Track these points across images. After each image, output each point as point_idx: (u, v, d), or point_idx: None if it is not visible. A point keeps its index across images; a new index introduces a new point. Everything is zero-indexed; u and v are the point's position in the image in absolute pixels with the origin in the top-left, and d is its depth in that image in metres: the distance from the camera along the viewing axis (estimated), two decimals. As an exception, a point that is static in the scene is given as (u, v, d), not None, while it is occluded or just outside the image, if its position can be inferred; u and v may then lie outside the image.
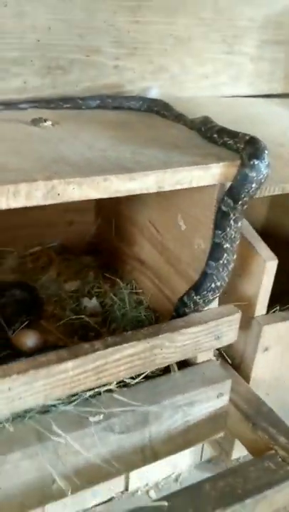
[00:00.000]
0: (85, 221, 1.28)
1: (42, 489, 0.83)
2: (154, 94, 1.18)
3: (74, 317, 1.11)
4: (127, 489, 1.34)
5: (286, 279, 1.46)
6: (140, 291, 1.13)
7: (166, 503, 0.76)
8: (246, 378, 1.05)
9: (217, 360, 1.03)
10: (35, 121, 0.91)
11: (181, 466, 1.41)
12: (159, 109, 1.06)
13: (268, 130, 1.20)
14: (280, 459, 0.85)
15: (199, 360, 0.98)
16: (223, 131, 0.86)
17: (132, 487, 1.35)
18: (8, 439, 0.79)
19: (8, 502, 0.81)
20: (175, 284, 0.99)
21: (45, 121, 0.90)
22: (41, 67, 1.07)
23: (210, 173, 0.78)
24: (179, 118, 1.02)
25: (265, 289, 0.99)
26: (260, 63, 1.30)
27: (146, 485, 1.42)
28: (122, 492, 1.33)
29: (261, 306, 1.01)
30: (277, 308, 1.05)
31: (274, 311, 1.04)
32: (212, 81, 1.26)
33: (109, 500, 1.33)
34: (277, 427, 0.92)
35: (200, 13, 1.18)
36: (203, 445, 1.38)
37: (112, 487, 1.28)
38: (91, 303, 1.16)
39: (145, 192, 0.75)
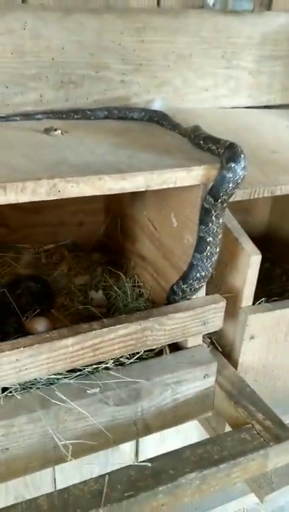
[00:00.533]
0: (94, 221, 1.40)
1: (44, 453, 0.95)
2: (157, 105, 1.30)
3: (81, 307, 1.23)
4: None
5: (286, 277, 1.56)
6: (141, 284, 1.24)
7: (149, 464, 0.87)
8: (235, 365, 1.15)
9: (208, 347, 1.13)
10: (47, 130, 1.04)
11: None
12: (159, 119, 1.18)
13: (264, 138, 1.31)
14: (255, 432, 0.95)
15: (189, 345, 1.08)
16: (208, 138, 0.97)
17: None
18: (15, 405, 0.91)
19: (14, 462, 0.93)
20: (169, 277, 1.10)
21: (55, 130, 1.03)
22: (55, 82, 1.20)
23: (192, 175, 0.89)
24: (175, 127, 1.13)
25: (250, 281, 1.09)
26: (258, 76, 1.41)
27: None
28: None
29: (247, 297, 1.11)
30: (263, 300, 1.15)
31: (260, 302, 1.14)
32: (212, 93, 1.37)
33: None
34: (256, 405, 1.01)
35: (200, 32, 1.29)
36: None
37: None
38: (97, 295, 1.28)
39: (135, 190, 0.86)
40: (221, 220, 0.95)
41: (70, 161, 0.88)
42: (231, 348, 1.16)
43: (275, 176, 1.17)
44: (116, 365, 1.02)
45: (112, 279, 1.32)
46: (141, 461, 0.87)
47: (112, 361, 1.01)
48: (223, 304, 1.04)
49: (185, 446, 0.91)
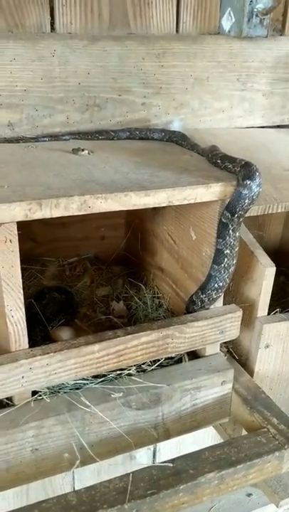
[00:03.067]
0: (115, 236, 1.47)
1: (71, 453, 1.00)
2: (176, 126, 1.37)
3: (103, 317, 1.29)
4: None
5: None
6: (161, 295, 1.30)
7: (171, 464, 0.92)
8: (251, 373, 1.19)
9: (225, 355, 1.18)
10: (75, 150, 1.11)
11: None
12: (178, 139, 1.25)
13: (277, 156, 1.37)
14: (270, 436, 0.99)
15: (207, 353, 1.13)
16: (225, 157, 1.03)
17: None
18: (45, 408, 0.97)
19: (43, 462, 0.99)
20: (188, 287, 1.16)
21: (82, 150, 1.10)
22: (81, 105, 1.27)
23: (210, 191, 0.96)
24: (193, 147, 1.20)
25: (265, 292, 1.14)
26: (272, 98, 1.47)
27: None
28: None
29: (262, 308, 1.16)
30: (278, 310, 1.20)
31: (274, 313, 1.19)
32: (228, 114, 1.44)
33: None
34: (271, 410, 1.06)
35: (217, 56, 1.36)
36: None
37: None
38: (118, 306, 1.34)
39: (158, 206, 0.93)
40: (237, 234, 1.01)
41: (98, 179, 0.95)
42: (247, 357, 1.21)
43: (288, 192, 1.23)
44: (138, 371, 1.07)
45: (133, 290, 1.39)
46: (162, 462, 0.92)
47: (134, 368, 1.07)
48: (239, 313, 1.10)
49: (204, 448, 0.96)
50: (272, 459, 0.95)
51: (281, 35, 1.46)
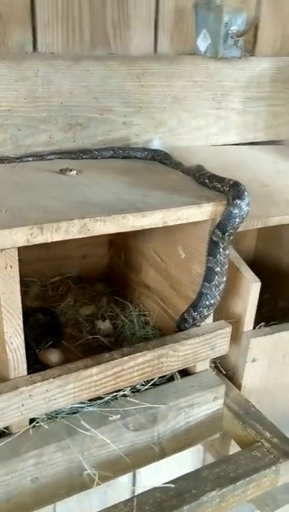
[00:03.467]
0: (97, 254, 1.46)
1: (70, 480, 0.99)
2: (156, 145, 1.39)
3: (90, 337, 1.28)
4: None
5: (274, 302, 1.65)
6: (147, 313, 1.31)
7: (173, 485, 0.92)
8: (238, 387, 1.22)
9: (213, 371, 1.20)
10: (63, 171, 1.10)
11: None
12: (161, 158, 1.27)
13: (254, 173, 1.41)
14: (265, 450, 1.01)
15: (198, 370, 1.15)
16: (213, 176, 1.06)
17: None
18: (44, 435, 0.95)
19: (43, 490, 0.97)
20: (177, 305, 1.17)
21: (70, 170, 1.10)
22: (64, 124, 1.27)
23: (202, 211, 0.98)
24: (177, 166, 1.22)
25: (251, 306, 1.17)
26: (245, 116, 1.52)
27: None
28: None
29: (248, 322, 1.18)
30: (263, 324, 1.24)
31: (260, 327, 1.22)
32: (204, 132, 1.47)
33: None
34: (263, 424, 1.08)
35: (193, 77, 1.39)
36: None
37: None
38: (104, 325, 1.33)
39: (153, 226, 0.94)
40: (227, 252, 1.03)
41: (93, 201, 0.95)
42: (234, 371, 1.23)
43: (268, 208, 1.27)
44: (132, 392, 1.07)
45: (118, 308, 1.39)
46: (164, 483, 0.92)
47: (128, 388, 1.06)
48: (229, 329, 1.12)
49: (203, 466, 0.97)
50: (269, 474, 0.97)
51: (252, 55, 1.51)
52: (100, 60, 1.26)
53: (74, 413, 1.01)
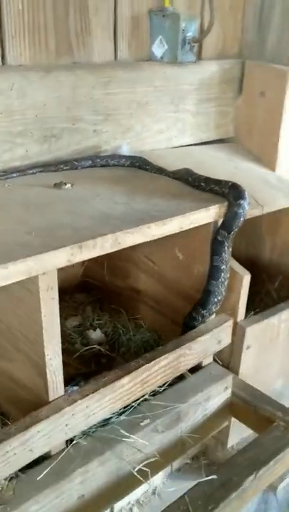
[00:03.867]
0: (72, 265, 1.45)
1: (111, 490, 0.99)
2: (125, 150, 1.40)
3: (87, 348, 1.28)
4: (112, 511, 1.50)
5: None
6: (139, 316, 1.34)
7: (216, 477, 0.97)
8: (236, 373, 1.29)
9: (214, 363, 1.26)
10: (57, 185, 1.09)
11: (155, 480, 1.59)
12: (140, 164, 1.29)
13: (214, 169, 1.47)
14: (282, 428, 1.10)
15: (204, 364, 1.20)
16: (208, 179, 1.11)
17: (117, 509, 1.51)
18: (85, 452, 0.95)
19: (88, 505, 0.96)
20: (175, 305, 1.22)
21: (65, 184, 1.09)
22: (39, 136, 1.24)
23: (209, 214, 1.03)
24: (159, 170, 1.25)
25: (243, 298, 1.25)
26: (198, 117, 1.59)
27: (129, 503, 1.58)
28: None
29: (241, 313, 1.26)
30: (252, 313, 1.32)
31: (250, 316, 1.31)
32: (165, 135, 1.52)
33: None
34: (272, 405, 1.17)
35: (153, 81, 1.43)
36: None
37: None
38: (96, 334, 1.33)
39: (170, 233, 0.97)
40: (230, 250, 1.09)
41: (108, 213, 0.96)
42: (229, 360, 1.30)
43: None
44: (152, 395, 1.10)
45: (105, 316, 1.40)
46: (207, 477, 0.97)
47: (148, 393, 1.09)
48: (231, 321, 1.19)
49: (236, 453, 1.03)
50: (293, 448, 1.06)
51: (199, 59, 1.58)
52: (69, 70, 1.25)
53: (103, 426, 1.01)
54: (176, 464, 1.63)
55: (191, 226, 1.00)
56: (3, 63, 1.19)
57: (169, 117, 1.51)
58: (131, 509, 1.63)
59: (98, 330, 1.34)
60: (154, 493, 1.67)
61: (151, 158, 1.39)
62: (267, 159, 1.63)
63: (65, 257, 0.81)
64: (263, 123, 1.60)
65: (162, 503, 1.57)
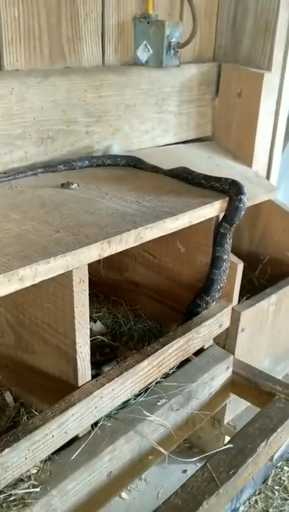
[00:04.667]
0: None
1: (133, 466, 1.07)
2: (115, 150, 1.48)
3: (91, 339, 1.34)
4: None
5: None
6: (139, 307, 1.41)
7: (232, 445, 1.07)
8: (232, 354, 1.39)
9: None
10: (65, 185, 1.15)
11: None
12: (135, 163, 1.37)
13: (197, 166, 1.56)
14: (284, 400, 1.21)
15: (206, 346, 1.30)
16: (208, 177, 1.20)
17: None
18: (111, 432, 1.02)
19: (115, 481, 1.04)
20: (176, 294, 1.30)
21: (72, 184, 1.15)
22: (37, 139, 1.30)
23: (214, 208, 1.12)
24: (155, 169, 1.33)
25: (237, 285, 1.35)
26: (180, 117, 1.68)
27: None
28: None
29: (236, 298, 1.36)
30: (244, 298, 1.42)
31: (242, 301, 1.41)
32: (151, 135, 1.60)
33: None
34: (271, 380, 1.28)
35: (140, 85, 1.51)
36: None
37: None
38: (97, 326, 1.40)
39: (181, 227, 1.06)
40: (231, 241, 1.19)
41: (124, 210, 1.03)
42: (225, 342, 1.40)
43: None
44: (163, 377, 1.18)
45: (104, 308, 1.46)
46: (224, 445, 1.06)
47: (160, 376, 1.17)
48: (230, 306, 1.29)
49: (247, 424, 1.13)
50: (295, 417, 1.17)
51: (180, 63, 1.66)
52: (64, 75, 1.31)
53: (123, 408, 1.09)
54: None
55: (199, 220, 1.09)
56: (0, 69, 1.24)
57: (154, 118, 1.60)
58: (120, 495, 1.71)
59: (98, 322, 1.41)
60: (140, 478, 1.77)
61: (141, 157, 1.46)
62: (244, 156, 1.74)
63: (97, 252, 0.88)
64: (240, 123, 1.72)
65: (149, 488, 1.67)
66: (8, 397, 1.13)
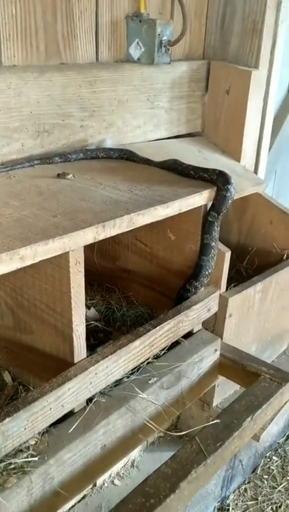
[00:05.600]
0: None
1: (126, 441, 1.13)
2: (108, 144, 1.54)
3: (86, 324, 1.40)
4: (95, 485, 1.65)
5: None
6: (131, 293, 1.47)
7: (219, 421, 1.13)
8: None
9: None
10: (61, 176, 1.21)
11: (133, 454, 1.75)
12: (128, 156, 1.43)
13: (188, 160, 1.63)
14: (269, 380, 1.28)
15: (195, 330, 1.36)
16: (197, 168, 1.26)
17: (99, 482, 1.66)
18: (105, 408, 1.08)
19: (108, 454, 1.10)
20: (167, 281, 1.37)
21: (68, 174, 1.21)
22: (33, 132, 1.35)
23: (203, 197, 1.18)
24: (147, 162, 1.39)
25: (225, 272, 1.41)
26: (171, 113, 1.74)
27: (110, 476, 1.74)
28: (91, 488, 1.63)
29: (224, 285, 1.43)
30: (232, 285, 1.49)
31: (230, 288, 1.47)
32: (142, 129, 1.66)
33: (83, 498, 1.62)
34: (257, 362, 1.34)
35: (132, 81, 1.57)
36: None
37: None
38: (90, 312, 1.46)
39: (171, 214, 1.12)
40: (218, 229, 1.26)
41: (117, 198, 1.09)
42: (214, 328, 1.47)
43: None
44: (155, 358, 1.24)
45: (98, 295, 1.52)
46: (212, 421, 1.12)
47: (151, 356, 1.23)
48: (218, 292, 1.35)
49: (233, 401, 1.19)
50: (278, 396, 1.24)
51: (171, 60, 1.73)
52: (60, 71, 1.37)
53: (116, 386, 1.15)
54: (150, 438, 1.80)
55: (188, 208, 1.16)
56: (-2, 64, 1.30)
57: (146, 113, 1.66)
58: (112, 481, 1.78)
59: (92, 308, 1.47)
60: (132, 465, 1.84)
61: (133, 151, 1.52)
62: (232, 151, 1.81)
63: (92, 235, 0.94)
64: (228, 118, 1.78)
65: (140, 475, 1.74)
66: (7, 377, 1.19)
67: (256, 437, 1.48)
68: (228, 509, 2.08)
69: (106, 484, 1.73)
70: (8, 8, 1.29)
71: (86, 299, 1.49)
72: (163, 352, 1.26)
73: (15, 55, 1.33)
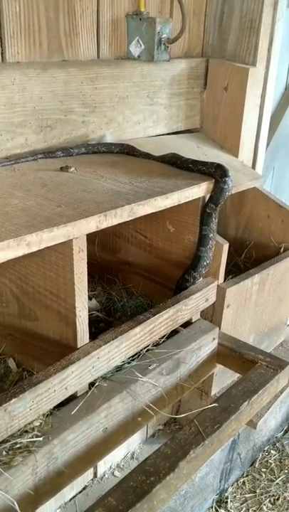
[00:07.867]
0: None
1: (127, 424, 1.17)
2: (108, 139, 1.57)
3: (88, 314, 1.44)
4: (96, 476, 1.69)
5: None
6: (131, 285, 1.51)
7: (216, 404, 1.17)
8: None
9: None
10: (64, 168, 1.25)
11: (133, 446, 1.79)
12: (128, 150, 1.47)
13: (186, 155, 1.68)
14: (265, 367, 1.32)
15: (193, 320, 1.40)
16: (195, 161, 1.30)
17: (99, 473, 1.70)
18: (107, 391, 1.12)
19: (110, 438, 1.13)
20: (167, 272, 1.40)
21: (70, 167, 1.25)
22: (37, 126, 1.39)
23: (201, 189, 1.22)
24: (147, 156, 1.43)
25: (223, 263, 1.45)
26: (170, 109, 1.78)
27: (110, 467, 1.78)
28: (92, 480, 1.67)
29: (222, 276, 1.47)
30: (230, 276, 1.53)
31: (228, 279, 1.51)
32: (142, 125, 1.70)
33: (84, 489, 1.66)
34: (254, 350, 1.38)
35: (132, 78, 1.61)
36: (147, 425, 1.76)
37: (84, 477, 1.62)
38: (92, 303, 1.50)
39: (171, 205, 1.16)
40: (216, 220, 1.29)
41: (119, 191, 1.13)
42: (212, 318, 1.51)
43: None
44: (155, 345, 1.28)
45: (99, 287, 1.56)
46: (210, 405, 1.16)
47: (151, 344, 1.27)
48: (216, 283, 1.39)
49: (230, 387, 1.23)
50: (274, 382, 1.28)
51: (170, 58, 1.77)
52: (62, 67, 1.41)
53: (118, 371, 1.19)
54: (150, 430, 1.84)
55: (187, 200, 1.19)
56: (2, 61, 1.33)
57: (146, 110, 1.70)
58: (113, 473, 1.82)
59: (94, 299, 1.51)
60: (132, 457, 1.88)
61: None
62: (230, 147, 1.85)
63: (95, 224, 0.97)
64: (226, 115, 1.82)
65: None
66: (12, 363, 1.23)
67: (253, 424, 1.52)
68: (227, 502, 2.12)
69: (106, 475, 1.78)
70: (12, 6, 1.32)
71: (88, 291, 1.55)
72: (162, 340, 1.30)
73: (18, 52, 1.37)
